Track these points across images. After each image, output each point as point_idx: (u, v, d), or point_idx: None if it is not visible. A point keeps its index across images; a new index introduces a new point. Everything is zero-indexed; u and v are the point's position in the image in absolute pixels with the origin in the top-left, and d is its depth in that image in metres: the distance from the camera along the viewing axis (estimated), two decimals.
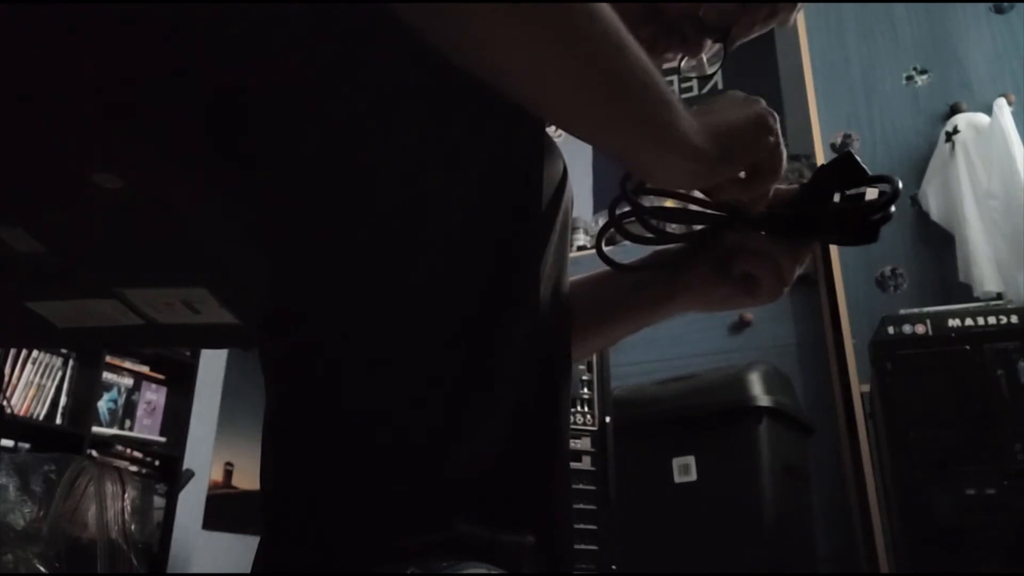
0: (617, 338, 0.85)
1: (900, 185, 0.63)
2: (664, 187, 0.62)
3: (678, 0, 0.68)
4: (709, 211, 0.67)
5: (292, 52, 0.61)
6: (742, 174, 0.62)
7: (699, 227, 0.70)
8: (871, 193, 0.63)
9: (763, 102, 0.61)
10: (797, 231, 0.67)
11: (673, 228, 0.71)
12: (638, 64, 0.51)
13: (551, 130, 0.70)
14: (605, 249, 0.74)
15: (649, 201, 0.68)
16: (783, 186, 0.68)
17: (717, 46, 0.71)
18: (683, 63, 0.74)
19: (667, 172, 0.58)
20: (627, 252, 0.74)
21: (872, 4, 3.23)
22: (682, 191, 0.67)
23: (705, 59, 0.72)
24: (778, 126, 0.61)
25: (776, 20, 0.72)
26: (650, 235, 0.69)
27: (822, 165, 0.66)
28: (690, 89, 3.53)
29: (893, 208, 0.63)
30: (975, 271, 2.53)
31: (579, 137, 0.54)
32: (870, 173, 0.64)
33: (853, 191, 0.64)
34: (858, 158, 0.64)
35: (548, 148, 0.66)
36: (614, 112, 0.53)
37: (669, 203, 0.72)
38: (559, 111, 0.53)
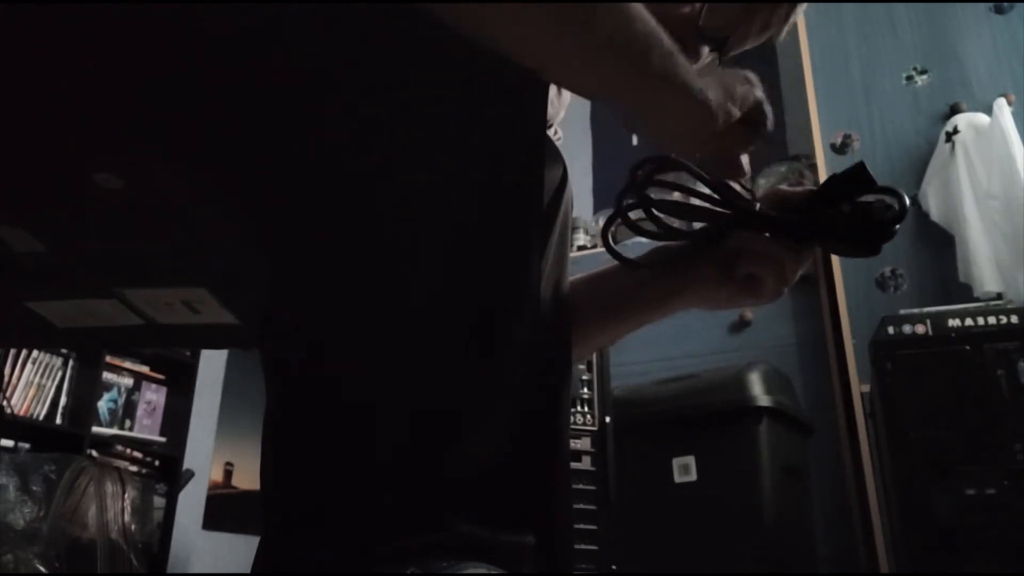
0: (619, 334, 0.85)
1: (908, 202, 0.63)
2: (672, 138, 0.62)
3: (683, 0, 0.69)
4: (716, 208, 0.68)
5: (292, 53, 0.61)
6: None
7: (704, 225, 0.70)
8: (878, 203, 0.64)
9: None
10: (802, 235, 0.67)
11: (678, 224, 0.71)
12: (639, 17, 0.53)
13: (551, 132, 0.70)
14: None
15: (656, 195, 0.68)
16: (790, 189, 0.69)
17: (711, 56, 0.72)
18: None
19: (674, 116, 0.58)
20: (629, 253, 0.74)
21: (872, 4, 3.23)
22: (688, 187, 0.67)
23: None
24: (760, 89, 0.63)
25: (768, 33, 0.74)
26: (655, 229, 0.69)
27: (834, 174, 0.66)
28: None
29: (898, 226, 0.63)
30: (975, 271, 2.53)
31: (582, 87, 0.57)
32: (879, 185, 0.64)
33: (861, 200, 0.64)
34: (869, 170, 0.64)
35: (548, 151, 0.66)
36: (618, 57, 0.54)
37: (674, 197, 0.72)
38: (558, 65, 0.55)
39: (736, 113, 0.61)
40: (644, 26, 0.53)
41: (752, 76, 0.63)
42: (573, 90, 0.60)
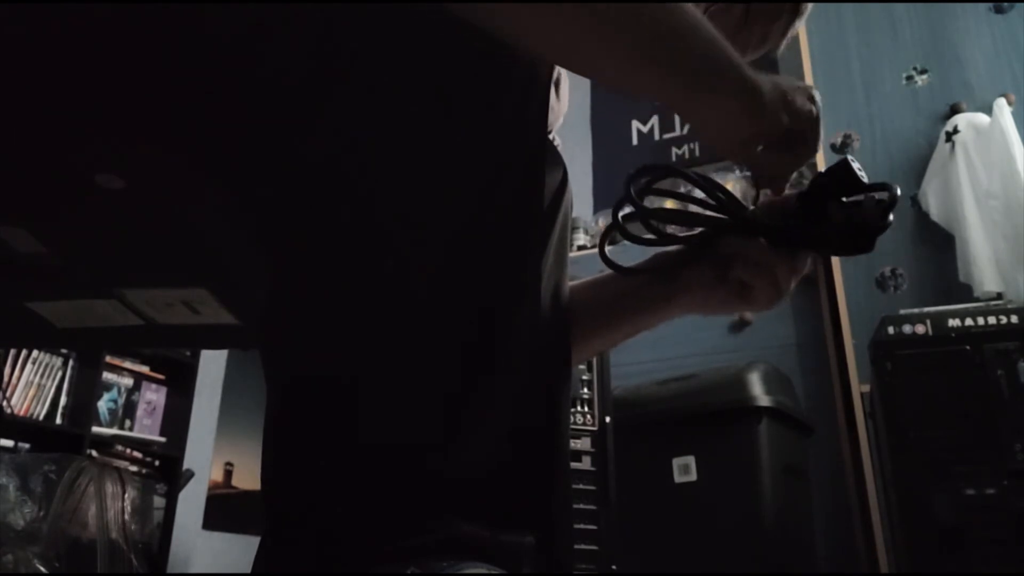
0: (616, 340, 0.85)
1: (898, 192, 0.62)
2: (715, 135, 0.61)
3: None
4: (710, 214, 0.68)
5: (294, 54, 0.61)
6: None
7: (699, 230, 0.70)
8: (868, 201, 0.63)
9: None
10: (794, 242, 0.67)
11: (673, 230, 0.71)
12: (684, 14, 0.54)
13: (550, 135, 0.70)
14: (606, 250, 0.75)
15: (651, 203, 0.68)
16: (780, 196, 0.68)
17: None
18: None
19: (720, 112, 0.58)
20: (628, 253, 0.75)
21: (872, 4, 3.23)
22: (683, 194, 0.67)
23: None
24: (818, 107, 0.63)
25: (767, 46, 0.74)
26: (651, 236, 0.69)
27: (819, 173, 0.66)
28: None
29: (891, 217, 0.62)
30: (975, 271, 2.53)
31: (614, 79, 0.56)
32: (866, 180, 0.64)
33: (850, 199, 0.64)
34: (854, 165, 0.63)
35: (548, 154, 0.66)
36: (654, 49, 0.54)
37: (669, 204, 0.72)
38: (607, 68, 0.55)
39: (785, 120, 0.60)
40: (688, 19, 0.53)
41: (816, 93, 0.63)
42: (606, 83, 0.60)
